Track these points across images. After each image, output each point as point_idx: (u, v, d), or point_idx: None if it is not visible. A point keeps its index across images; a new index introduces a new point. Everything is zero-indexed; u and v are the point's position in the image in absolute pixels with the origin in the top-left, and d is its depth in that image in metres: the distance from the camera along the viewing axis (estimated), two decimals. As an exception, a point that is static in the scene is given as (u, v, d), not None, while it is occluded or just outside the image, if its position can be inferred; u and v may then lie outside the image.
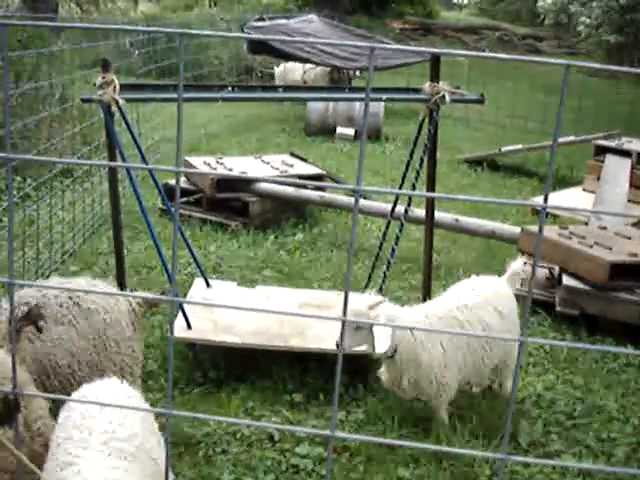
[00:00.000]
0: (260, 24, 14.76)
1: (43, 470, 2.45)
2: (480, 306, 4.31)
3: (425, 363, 4.13)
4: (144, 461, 2.49)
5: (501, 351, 4.39)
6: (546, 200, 1.49)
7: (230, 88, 4.58)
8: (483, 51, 28.26)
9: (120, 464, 2.37)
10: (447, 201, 8.61)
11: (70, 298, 3.57)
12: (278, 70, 15.71)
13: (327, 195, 7.46)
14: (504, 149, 10.39)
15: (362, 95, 4.69)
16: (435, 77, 4.46)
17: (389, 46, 1.49)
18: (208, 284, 5.35)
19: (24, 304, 3.35)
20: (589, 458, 4.33)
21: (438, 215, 6.54)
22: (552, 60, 1.40)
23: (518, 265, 4.62)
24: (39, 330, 3.13)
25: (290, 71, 15.40)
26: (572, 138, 10.04)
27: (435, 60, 4.51)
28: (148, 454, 2.53)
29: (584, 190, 8.91)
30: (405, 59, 13.30)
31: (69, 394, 2.94)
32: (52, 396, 3.24)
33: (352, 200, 7.47)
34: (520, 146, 10.42)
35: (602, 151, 9.06)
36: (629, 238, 6.00)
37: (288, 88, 5.09)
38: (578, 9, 20.08)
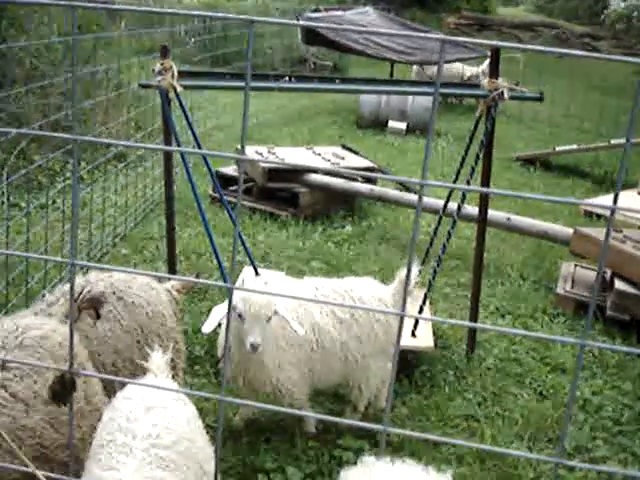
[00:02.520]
0: (316, 15, 14.74)
1: (85, 465, 2.46)
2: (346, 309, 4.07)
3: (265, 362, 3.84)
4: (187, 467, 2.48)
5: (347, 366, 4.08)
6: (615, 201, 1.45)
7: (287, 78, 4.58)
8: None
9: (160, 474, 2.37)
10: (498, 200, 8.51)
11: (114, 293, 3.52)
12: (416, 67, 15.11)
13: (377, 188, 7.43)
14: (558, 148, 10.23)
15: (430, 89, 4.64)
16: (494, 73, 4.40)
17: (458, 39, 1.46)
18: (257, 273, 5.37)
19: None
20: (635, 466, 4.25)
21: (490, 213, 6.46)
22: (629, 58, 1.36)
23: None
24: (98, 316, 3.16)
25: (455, 69, 14.90)
26: (621, 141, 9.84)
27: (495, 56, 4.45)
28: (194, 458, 2.52)
29: (639, 193, 8.72)
30: (461, 54, 13.15)
31: (111, 392, 2.93)
32: (109, 377, 3.27)
33: (402, 194, 7.42)
34: (575, 146, 10.25)
35: (659, 154, 8.87)
36: (685, 244, 5.86)
37: (345, 80, 5.06)
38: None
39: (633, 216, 6.87)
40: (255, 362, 3.77)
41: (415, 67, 14.90)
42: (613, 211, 1.46)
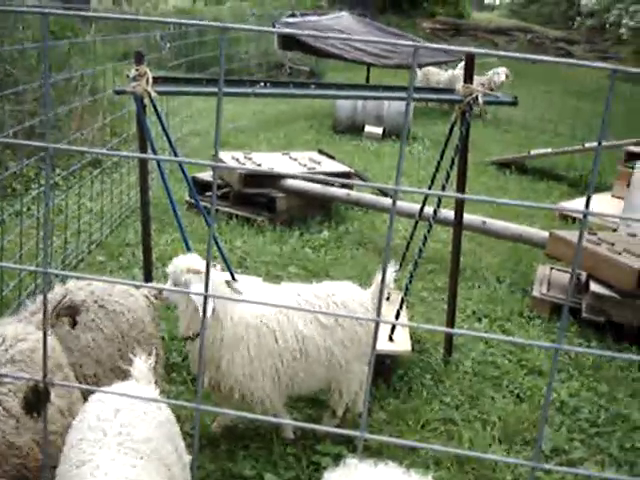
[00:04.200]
0: (292, 20, 14.77)
1: (57, 472, 2.43)
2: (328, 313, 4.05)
3: (225, 368, 3.82)
4: (158, 465, 2.48)
5: (330, 371, 4.03)
6: (587, 206, 1.47)
7: (263, 83, 4.58)
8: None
9: (138, 463, 2.36)
10: (474, 203, 8.56)
11: (95, 302, 3.50)
12: (420, 72, 14.92)
13: (353, 193, 7.45)
14: (533, 152, 10.31)
15: (403, 94, 4.65)
16: (469, 78, 4.42)
17: (432, 45, 1.47)
18: (234, 279, 5.36)
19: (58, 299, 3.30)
20: (612, 467, 4.28)
21: (466, 217, 6.49)
22: (599, 64, 1.37)
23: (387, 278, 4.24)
24: (74, 323, 3.13)
25: (435, 73, 14.97)
26: (593, 144, 9.94)
27: (470, 61, 4.48)
28: (162, 460, 2.52)
29: (613, 196, 8.82)
30: (438, 58, 13.24)
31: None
32: (89, 387, 3.24)
33: (378, 199, 7.44)
34: (549, 150, 10.34)
35: (633, 157, 8.95)
36: (659, 246, 5.93)
37: (320, 85, 5.07)
38: (624, 9, 19.73)
39: (607, 219, 6.94)
40: (215, 364, 3.77)
41: (420, 73, 14.90)
42: (585, 215, 1.48)
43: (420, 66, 14.53)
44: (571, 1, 38.26)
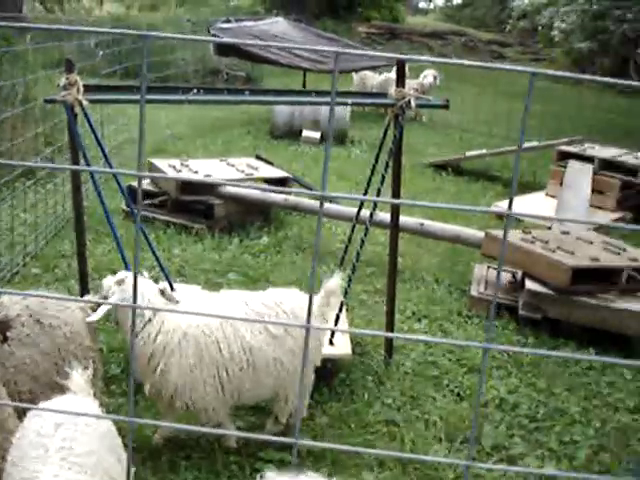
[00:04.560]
0: (227, 26, 14.72)
1: None
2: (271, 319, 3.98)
3: (160, 376, 3.77)
4: (103, 478, 2.44)
5: (278, 380, 4.00)
6: (510, 207, 1.50)
7: (195, 90, 4.55)
8: (449, 57, 28.45)
9: (82, 477, 2.33)
10: (413, 205, 8.64)
11: (30, 316, 3.41)
12: (357, 76, 15.21)
13: (291, 198, 7.45)
14: (468, 154, 10.47)
15: (328, 99, 4.69)
16: (401, 82, 4.47)
17: (354, 51, 1.48)
18: (172, 288, 5.31)
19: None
20: (552, 461, 4.37)
21: (403, 219, 6.56)
22: (518, 67, 1.40)
23: (333, 283, 4.17)
24: (5, 339, 3.06)
25: (370, 77, 15.05)
26: (535, 144, 10.17)
27: (401, 66, 4.53)
28: (106, 473, 2.48)
29: (547, 195, 9.01)
30: (371, 62, 13.36)
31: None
32: (20, 404, 3.17)
33: (317, 203, 7.46)
34: (484, 151, 10.52)
35: (565, 157, 9.16)
36: (591, 243, 6.08)
37: (254, 91, 5.06)
38: (555, 11, 20.18)
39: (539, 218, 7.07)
40: (151, 372, 3.73)
41: (355, 77, 15.06)
42: (509, 215, 1.52)
43: (356, 70, 14.65)
44: (503, 4, 39.04)
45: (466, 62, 1.50)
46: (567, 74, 1.37)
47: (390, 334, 3.98)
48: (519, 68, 1.50)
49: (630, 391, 5.14)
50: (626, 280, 5.71)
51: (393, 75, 14.23)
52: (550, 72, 1.57)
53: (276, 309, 3.96)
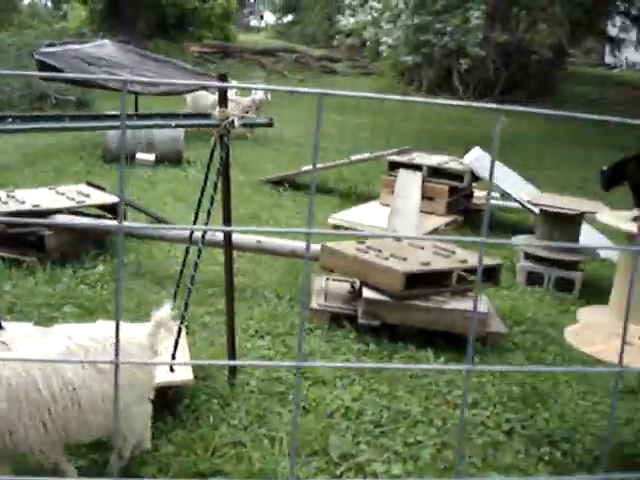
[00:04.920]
0: (51, 49, 14.20)
1: None
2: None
3: None
4: None
5: (109, 417, 3.78)
6: (310, 228, 1.52)
7: (11, 119, 4.36)
8: (282, 74, 28.83)
9: None
10: (250, 222, 8.69)
11: None
12: (189, 97, 14.76)
13: (126, 224, 7.27)
14: (304, 168, 10.63)
15: (169, 122, 4.62)
16: (223, 102, 4.47)
17: (143, 78, 1.45)
18: (1, 327, 5.04)
19: None
20: (398, 463, 4.48)
21: (240, 238, 6.57)
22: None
23: (163, 314, 4.08)
24: None
25: (203, 97, 14.66)
26: (367, 155, 10.46)
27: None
28: None
29: (381, 204, 9.28)
30: (197, 82, 13.27)
31: None
32: None
33: (153, 227, 7.33)
34: (319, 165, 10.70)
35: (395, 166, 9.49)
36: (422, 248, 6.31)
37: (75, 117, 4.92)
38: (382, 29, 20.95)
39: (375, 226, 7.29)
40: None
41: (188, 98, 14.86)
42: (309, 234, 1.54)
43: (190, 91, 14.49)
44: (331, 22, 40.05)
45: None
46: (354, 94, 1.41)
47: (231, 362, 3.94)
48: (307, 90, 1.52)
49: (469, 387, 5.35)
50: (456, 281, 5.97)
51: (259, 96, 14.28)
52: (339, 92, 1.61)
53: (104, 342, 3.82)
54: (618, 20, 34.77)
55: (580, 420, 5.07)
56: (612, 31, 36.01)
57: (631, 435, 4.97)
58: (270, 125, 4.71)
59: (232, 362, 4.94)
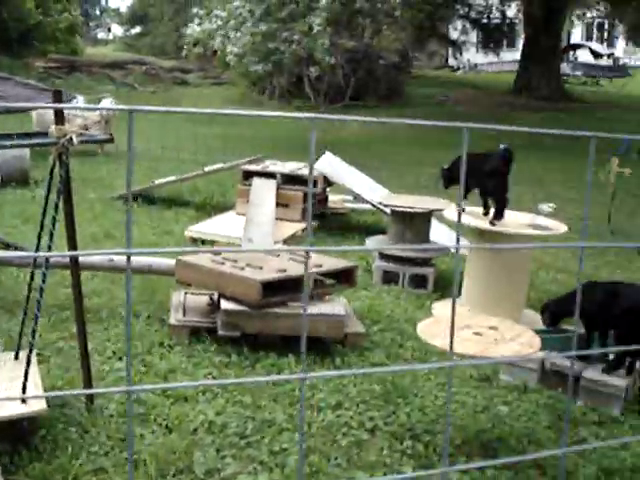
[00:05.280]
0: None
1: None
2: None
3: None
4: None
5: None
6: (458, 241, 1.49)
7: None
8: (132, 86, 28.28)
9: None
10: (105, 240, 8.47)
11: None
12: (36, 114, 13.83)
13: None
14: (157, 182, 10.46)
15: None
16: (60, 120, 4.32)
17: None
18: None
19: None
20: (264, 473, 4.46)
21: (91, 257, 6.38)
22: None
23: None
24: None
25: (49, 113, 13.84)
26: (221, 165, 10.42)
27: (57, 100, 4.38)
28: None
29: (237, 214, 9.25)
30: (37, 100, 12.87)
31: None
32: None
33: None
34: (173, 177, 10.56)
35: (249, 175, 9.49)
36: (278, 256, 6.34)
37: None
38: (228, 38, 20.89)
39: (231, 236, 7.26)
40: None
41: (34, 115, 14.25)
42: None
43: (30, 108, 13.97)
44: (180, 32, 39.69)
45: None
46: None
47: (88, 391, 3.81)
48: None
49: (330, 389, 5.41)
50: (314, 286, 6.03)
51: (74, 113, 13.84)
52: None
53: None
54: (459, 24, 36.37)
55: (440, 411, 5.23)
56: (454, 34, 37.63)
57: (488, 421, 5.16)
58: (110, 141, 4.61)
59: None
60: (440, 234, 8.57)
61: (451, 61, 43.41)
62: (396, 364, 5.85)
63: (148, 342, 5.97)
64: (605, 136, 1.78)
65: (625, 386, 5.31)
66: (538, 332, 5.15)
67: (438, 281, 7.76)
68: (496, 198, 6.63)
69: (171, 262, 6.41)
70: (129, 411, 1.21)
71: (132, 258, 5.26)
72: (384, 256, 7.73)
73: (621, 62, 46.76)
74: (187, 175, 10.56)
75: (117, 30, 62.71)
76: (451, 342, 1.80)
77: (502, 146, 6.57)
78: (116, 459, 4.46)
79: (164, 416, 4.94)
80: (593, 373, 5.40)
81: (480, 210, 6.86)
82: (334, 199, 10.28)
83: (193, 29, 20.49)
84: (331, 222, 9.90)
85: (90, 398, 4.95)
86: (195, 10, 21.46)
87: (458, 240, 1.68)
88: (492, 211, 6.67)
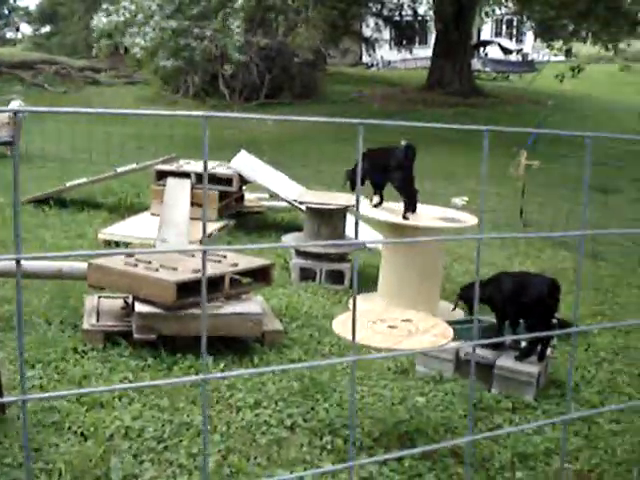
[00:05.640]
0: None
1: None
2: None
3: None
4: None
5: None
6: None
7: None
8: (43, 87, 27.56)
9: None
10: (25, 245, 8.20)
11: None
12: None
13: None
14: (69, 184, 10.22)
15: None
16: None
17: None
18: None
19: None
20: (183, 476, 4.42)
21: (-3, 264, 6.18)
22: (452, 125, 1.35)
23: None
24: None
25: None
26: (134, 166, 10.25)
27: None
28: None
29: (152, 214, 9.12)
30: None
31: None
32: None
33: None
34: (85, 179, 10.34)
35: (163, 175, 9.37)
36: (193, 256, 6.27)
37: None
38: (136, 31, 20.52)
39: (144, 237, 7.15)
40: None
41: None
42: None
43: None
44: (89, 29, 38.88)
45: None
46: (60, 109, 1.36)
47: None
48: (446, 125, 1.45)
49: (249, 388, 5.39)
50: (230, 285, 5.99)
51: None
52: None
53: None
54: (372, 21, 36.76)
55: (359, 405, 5.28)
56: (367, 32, 38.01)
57: (406, 413, 5.24)
58: (10, 143, 4.47)
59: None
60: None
61: (365, 58, 43.82)
62: (314, 360, 5.87)
63: (61, 348, 5.82)
64: (497, 129, 1.82)
65: (537, 373, 5.47)
66: (451, 323, 5.26)
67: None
68: (404, 192, 6.74)
69: (83, 265, 6.27)
70: (25, 420, 1.19)
71: (41, 263, 5.15)
72: (301, 253, 7.75)
73: (529, 58, 48.14)
74: (99, 177, 10.35)
75: (26, 29, 60.97)
76: (353, 336, 1.82)
77: (403, 142, 6.70)
78: (30, 469, 4.34)
79: (79, 423, 4.83)
80: (506, 361, 5.54)
81: (394, 205, 6.96)
82: (250, 198, 10.24)
83: (100, 20, 20.01)
84: (248, 221, 9.87)
85: (2, 408, 4.81)
86: (105, 6, 21.00)
87: (357, 235, 1.70)
88: (402, 206, 6.78)
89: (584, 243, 1.96)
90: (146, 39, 18.85)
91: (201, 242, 7.30)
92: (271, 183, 9.21)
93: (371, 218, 7.34)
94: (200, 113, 1.44)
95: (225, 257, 6.26)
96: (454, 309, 6.08)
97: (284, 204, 9.59)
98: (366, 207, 7.08)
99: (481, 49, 43.81)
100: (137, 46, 18.93)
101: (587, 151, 1.85)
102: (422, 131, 15.43)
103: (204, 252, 1.51)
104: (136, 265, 5.89)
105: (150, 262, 5.93)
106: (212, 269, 5.97)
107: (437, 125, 1.84)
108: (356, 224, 1.69)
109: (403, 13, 37.88)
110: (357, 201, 1.74)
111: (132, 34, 19.07)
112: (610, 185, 13.03)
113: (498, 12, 40.62)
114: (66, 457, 4.45)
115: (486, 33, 50.00)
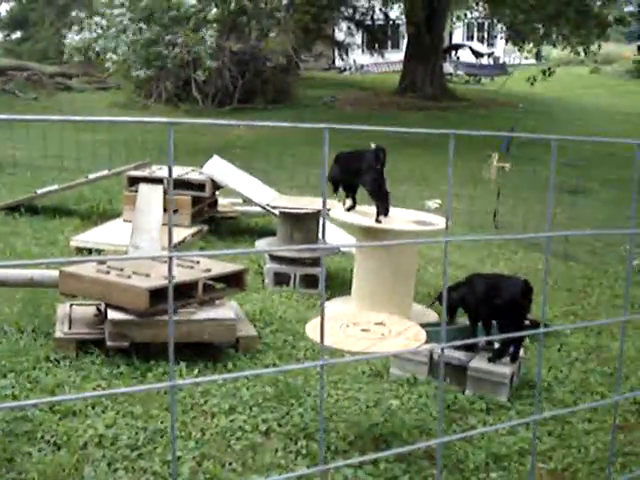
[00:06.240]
0: None
1: None
2: None
3: None
4: None
5: None
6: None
7: None
8: (14, 93, 27.31)
9: None
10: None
11: None
12: None
13: None
14: (39, 191, 10.13)
15: None
16: None
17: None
18: None
19: None
20: (156, 483, 4.40)
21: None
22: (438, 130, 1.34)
23: None
24: None
25: None
26: (105, 172, 10.19)
27: None
28: None
29: (125, 221, 9.06)
30: None
31: None
32: None
33: None
34: (56, 186, 10.26)
35: (135, 181, 9.31)
36: (165, 262, 6.24)
37: None
38: (104, 46, 20.50)
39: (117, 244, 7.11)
40: None
41: None
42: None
43: None
44: (61, 34, 38.57)
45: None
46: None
47: None
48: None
49: (223, 394, 5.38)
50: (203, 291, 5.97)
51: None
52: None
53: None
54: (344, 25, 36.84)
55: (333, 409, 5.29)
56: (339, 36, 38.10)
57: (380, 416, 5.25)
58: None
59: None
60: (330, 234, 8.66)
61: (338, 62, 43.89)
62: (288, 365, 5.87)
63: (34, 357, 5.77)
64: (462, 133, 1.84)
65: (510, 373, 5.51)
66: (424, 326, 5.29)
67: (328, 280, 7.83)
68: (376, 195, 6.77)
69: (55, 273, 6.22)
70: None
71: (12, 271, 5.09)
72: (275, 258, 7.74)
73: (501, 61, 48.50)
74: (70, 183, 10.26)
75: (-4, 35, 60.41)
76: (322, 339, 1.82)
77: (373, 145, 6.76)
78: (2, 480, 4.30)
79: (52, 432, 4.79)
80: (479, 362, 5.58)
81: (367, 209, 6.98)
82: (224, 203, 10.22)
83: (72, 39, 19.93)
84: (221, 226, 9.85)
85: (-29, 419, 4.76)
86: (74, 13, 20.88)
87: (324, 237, 1.70)
88: (375, 209, 6.81)
89: (556, 244, 1.98)
90: (118, 52, 18.78)
91: (169, 249, 7.29)
92: (244, 188, 9.20)
93: (344, 222, 7.35)
94: (165, 120, 1.44)
95: (198, 263, 6.24)
96: (430, 306, 6.14)
97: (258, 209, 9.58)
98: (339, 211, 7.10)
99: (453, 53, 44.05)
100: (109, 61, 18.88)
101: (552, 154, 1.88)
102: (395, 135, 15.50)
103: (170, 258, 1.51)
104: (108, 272, 5.86)
105: (122, 269, 5.90)
106: (185, 275, 5.95)
107: (402, 130, 1.86)
108: (323, 226, 1.70)
109: (375, 17, 38.02)
110: (324, 203, 1.75)
111: (105, 48, 19.00)
112: (581, 186, 13.16)
113: (469, 16, 40.91)
114: (39, 467, 4.42)
115: (458, 37, 50.29)
